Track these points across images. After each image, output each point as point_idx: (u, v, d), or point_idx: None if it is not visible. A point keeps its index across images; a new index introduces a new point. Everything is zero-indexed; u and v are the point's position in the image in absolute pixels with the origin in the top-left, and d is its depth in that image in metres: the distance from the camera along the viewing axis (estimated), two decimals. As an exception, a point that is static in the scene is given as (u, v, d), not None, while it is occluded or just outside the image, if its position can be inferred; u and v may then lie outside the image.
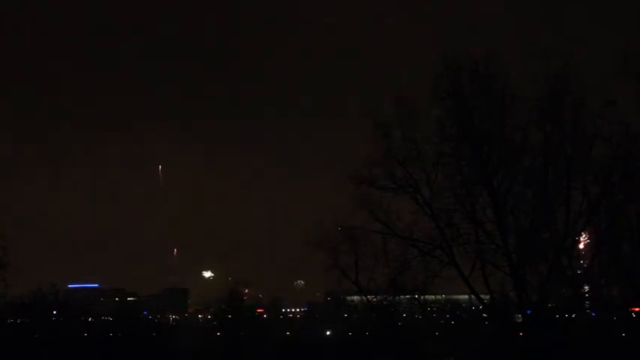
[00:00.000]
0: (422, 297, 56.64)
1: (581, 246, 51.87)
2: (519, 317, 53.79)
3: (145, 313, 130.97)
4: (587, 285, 52.70)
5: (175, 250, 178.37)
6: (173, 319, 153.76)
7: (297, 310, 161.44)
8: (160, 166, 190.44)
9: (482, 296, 53.74)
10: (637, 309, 55.55)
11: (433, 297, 63.43)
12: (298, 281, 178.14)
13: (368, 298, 57.30)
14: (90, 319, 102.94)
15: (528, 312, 51.49)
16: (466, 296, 63.13)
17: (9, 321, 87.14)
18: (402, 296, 56.16)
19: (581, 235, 50.93)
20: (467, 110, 51.62)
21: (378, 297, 56.34)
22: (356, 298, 65.73)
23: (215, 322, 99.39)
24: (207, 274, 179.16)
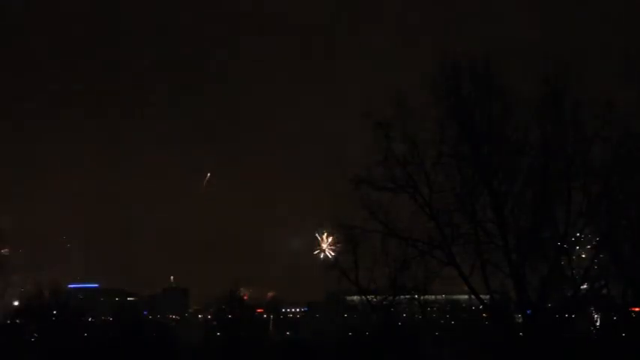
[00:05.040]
0: (422, 297, 56.69)
1: (581, 246, 51.85)
2: (519, 317, 53.80)
3: (146, 313, 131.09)
4: (587, 285, 52.67)
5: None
6: (173, 319, 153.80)
7: (298, 310, 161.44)
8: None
9: (482, 296, 53.71)
10: (637, 309, 55.55)
11: (433, 297, 63.50)
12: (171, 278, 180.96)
13: (368, 298, 57.33)
14: (90, 319, 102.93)
15: (528, 312, 51.48)
16: (466, 296, 63.10)
17: (9, 321, 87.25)
18: (402, 296, 56.19)
19: (581, 235, 50.88)
20: (467, 110, 51.61)
21: (378, 297, 56.38)
22: (356, 298, 65.76)
23: (215, 322, 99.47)
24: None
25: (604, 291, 53.38)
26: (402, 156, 52.00)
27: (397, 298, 56.09)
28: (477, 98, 51.66)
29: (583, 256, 52.33)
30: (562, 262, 51.35)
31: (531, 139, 51.19)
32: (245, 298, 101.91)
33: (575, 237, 50.87)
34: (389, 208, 52.55)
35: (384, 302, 56.52)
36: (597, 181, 50.58)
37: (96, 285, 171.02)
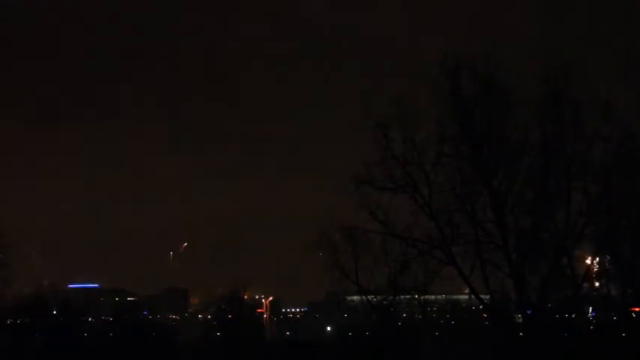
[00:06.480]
0: (422, 297, 56.69)
1: (581, 246, 51.83)
2: (519, 317, 53.80)
3: (146, 313, 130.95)
4: (587, 285, 52.68)
5: (185, 244, 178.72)
6: (173, 319, 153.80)
7: (298, 310, 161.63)
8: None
9: (482, 296, 53.70)
10: (637, 309, 55.54)
11: (433, 297, 63.54)
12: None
13: (368, 298, 57.32)
14: (90, 319, 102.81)
15: (528, 312, 51.47)
16: (466, 296, 63.12)
17: (9, 321, 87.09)
18: (402, 296, 56.19)
19: (581, 235, 50.86)
20: (467, 110, 51.57)
21: (378, 297, 56.37)
22: (356, 298, 65.78)
23: (215, 322, 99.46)
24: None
25: (604, 291, 53.38)
26: (401, 156, 51.95)
27: (397, 298, 56.08)
28: (477, 98, 51.63)
29: (583, 255, 52.30)
30: (562, 262, 51.34)
31: (531, 139, 51.21)
32: (245, 296, 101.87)
33: (575, 237, 50.83)
34: (389, 208, 52.57)
35: (384, 302, 56.50)
36: (597, 181, 50.56)
37: (96, 285, 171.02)
